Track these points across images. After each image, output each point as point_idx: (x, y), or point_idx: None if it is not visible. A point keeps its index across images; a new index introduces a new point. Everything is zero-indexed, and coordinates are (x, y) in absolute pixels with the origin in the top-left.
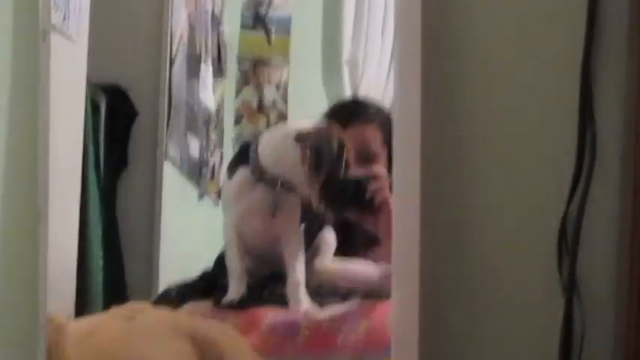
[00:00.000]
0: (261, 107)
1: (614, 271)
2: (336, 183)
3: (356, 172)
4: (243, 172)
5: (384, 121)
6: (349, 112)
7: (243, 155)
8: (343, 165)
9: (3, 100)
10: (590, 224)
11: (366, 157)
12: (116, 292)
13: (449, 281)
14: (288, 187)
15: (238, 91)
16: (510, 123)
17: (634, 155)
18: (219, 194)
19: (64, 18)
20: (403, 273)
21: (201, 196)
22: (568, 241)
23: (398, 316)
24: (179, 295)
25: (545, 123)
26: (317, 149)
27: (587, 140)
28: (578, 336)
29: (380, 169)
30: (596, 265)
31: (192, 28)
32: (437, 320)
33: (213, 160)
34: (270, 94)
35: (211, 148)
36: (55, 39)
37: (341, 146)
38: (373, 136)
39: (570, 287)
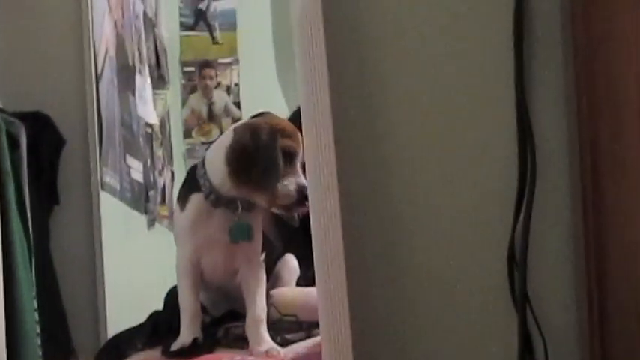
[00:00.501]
0: (212, 116)
1: (568, 282)
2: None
3: None
4: (196, 200)
5: None
6: None
7: (193, 181)
8: (279, 153)
9: None
10: (539, 239)
11: None
12: (58, 348)
13: (390, 308)
14: (248, 207)
15: (185, 101)
16: (445, 139)
17: (580, 165)
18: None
19: None
20: (330, 309)
21: (151, 223)
22: (517, 258)
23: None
24: (125, 345)
25: (483, 138)
26: (240, 147)
27: (527, 153)
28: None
29: None
30: (547, 280)
31: (120, 37)
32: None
33: (163, 180)
34: (220, 99)
35: (158, 167)
36: None
37: (272, 134)
38: None
39: (522, 303)
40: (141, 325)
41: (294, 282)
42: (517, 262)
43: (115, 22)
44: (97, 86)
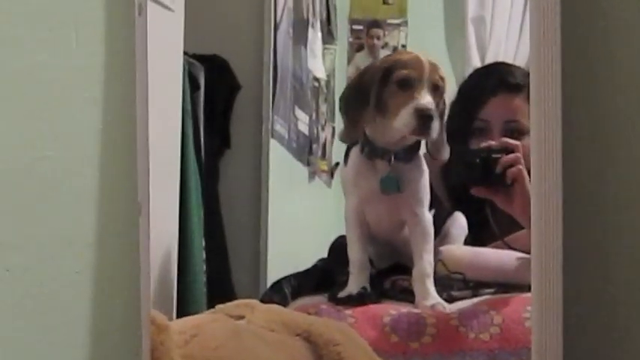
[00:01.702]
0: None
1: None
2: (459, 153)
3: (485, 142)
4: (355, 153)
5: None
6: (494, 79)
7: None
8: (391, 87)
9: (97, 84)
10: None
11: (513, 131)
12: (220, 288)
13: (597, 276)
14: (405, 158)
15: (350, 58)
16: None
17: None
18: (331, 174)
19: None
20: (543, 264)
21: (311, 176)
22: None
23: (538, 315)
24: (290, 290)
25: None
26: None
27: None
28: None
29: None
30: None
31: None
32: (583, 321)
33: (325, 135)
34: None
35: (322, 122)
36: (149, 7)
37: (383, 70)
38: (521, 108)
39: None
40: (307, 271)
41: (462, 240)
42: None
43: None
44: (275, 35)
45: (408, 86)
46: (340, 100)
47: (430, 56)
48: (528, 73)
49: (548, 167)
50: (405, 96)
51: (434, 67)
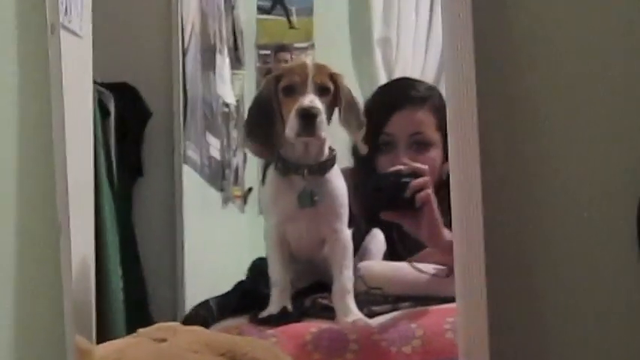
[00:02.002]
0: None
1: None
2: (369, 180)
3: (393, 166)
4: (271, 171)
5: (437, 103)
6: (397, 94)
7: None
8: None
9: (10, 107)
10: None
11: (419, 143)
12: (139, 313)
13: (518, 283)
14: (318, 171)
15: (259, 83)
16: (581, 99)
17: None
18: (244, 199)
19: (66, 11)
20: (466, 277)
21: (225, 201)
22: None
23: (464, 326)
24: (213, 311)
25: (618, 97)
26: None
27: None
28: None
29: (425, 162)
30: None
31: (204, 16)
32: (507, 327)
33: (236, 160)
34: None
35: (233, 147)
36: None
37: (271, 85)
38: (425, 120)
39: None
40: (229, 293)
41: (381, 256)
42: None
43: (200, 0)
44: (184, 62)
45: (292, 92)
46: (244, 125)
47: (319, 60)
48: (432, 86)
49: (467, 175)
50: (291, 102)
51: (320, 69)
